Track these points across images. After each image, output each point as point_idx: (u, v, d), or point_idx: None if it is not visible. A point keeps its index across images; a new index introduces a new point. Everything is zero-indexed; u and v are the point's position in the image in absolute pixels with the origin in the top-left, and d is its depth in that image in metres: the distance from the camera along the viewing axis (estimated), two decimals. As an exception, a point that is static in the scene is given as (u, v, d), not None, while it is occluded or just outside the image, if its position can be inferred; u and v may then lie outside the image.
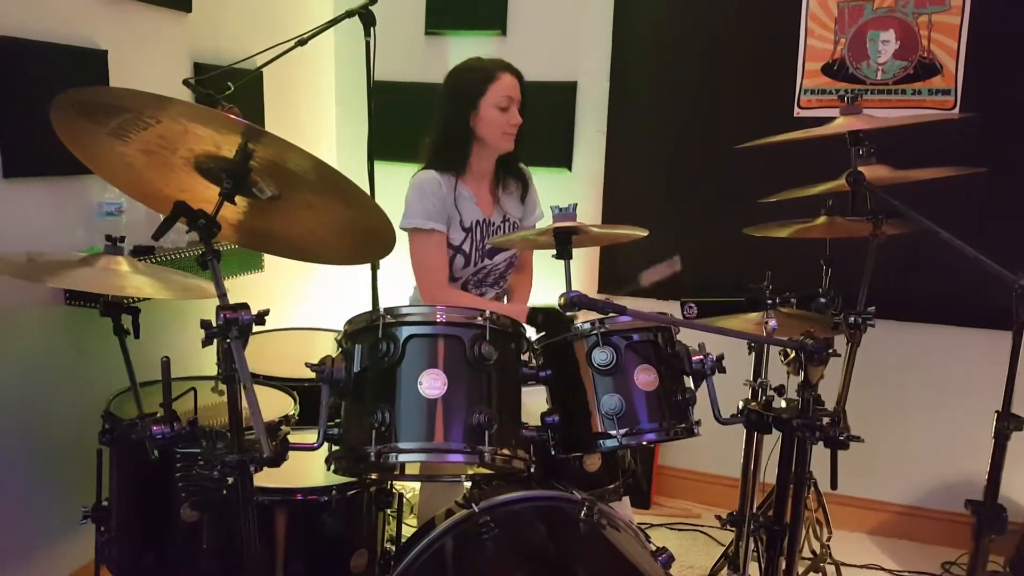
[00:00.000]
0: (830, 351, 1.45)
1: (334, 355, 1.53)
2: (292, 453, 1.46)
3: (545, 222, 1.94)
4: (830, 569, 2.56)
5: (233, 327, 1.31)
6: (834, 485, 1.72)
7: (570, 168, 3.39)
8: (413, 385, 1.44)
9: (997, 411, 1.58)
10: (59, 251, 2.23)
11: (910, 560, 3.00)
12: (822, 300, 2.29)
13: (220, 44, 2.96)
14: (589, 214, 3.35)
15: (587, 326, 1.62)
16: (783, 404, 1.73)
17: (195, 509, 1.71)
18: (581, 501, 1.58)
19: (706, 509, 3.30)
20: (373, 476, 1.71)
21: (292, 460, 1.47)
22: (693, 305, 1.81)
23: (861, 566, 2.93)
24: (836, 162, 1.93)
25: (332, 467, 1.52)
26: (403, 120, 2.97)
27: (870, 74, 2.96)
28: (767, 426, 1.66)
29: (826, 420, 1.55)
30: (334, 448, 1.53)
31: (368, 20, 2.78)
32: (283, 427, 1.47)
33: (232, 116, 1.36)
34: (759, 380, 1.85)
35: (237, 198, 1.55)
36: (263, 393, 2.35)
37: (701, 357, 1.64)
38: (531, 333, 2.37)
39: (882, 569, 2.94)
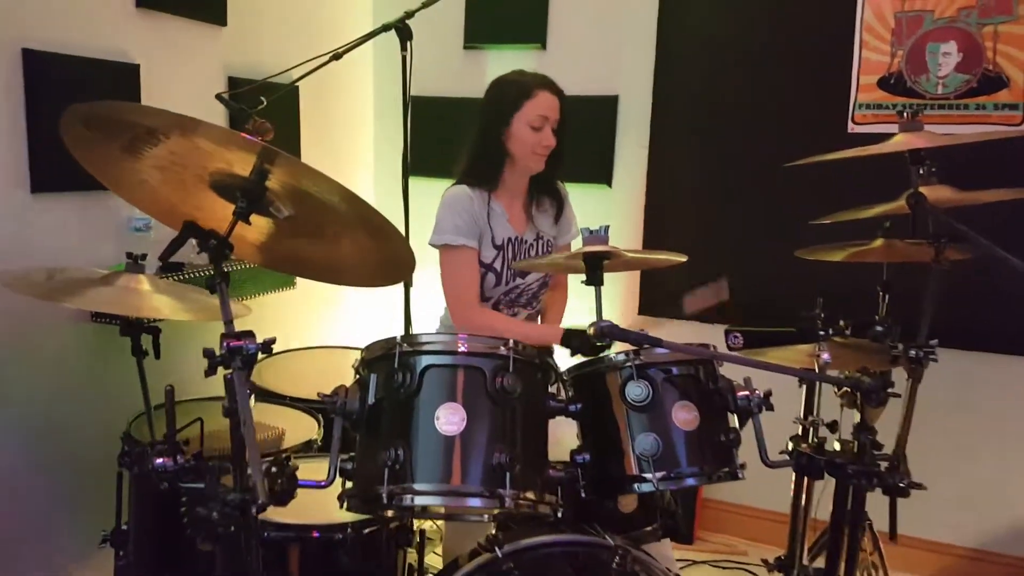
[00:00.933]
0: (889, 391, 1.31)
1: (349, 384, 1.44)
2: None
3: (580, 242, 1.82)
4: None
5: (237, 356, 1.22)
6: (893, 536, 1.57)
7: (610, 185, 3.29)
8: (430, 420, 1.33)
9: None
10: (81, 268, 2.18)
11: (973, 607, 2.80)
12: (879, 329, 2.14)
13: (255, 58, 2.93)
14: (629, 233, 3.24)
15: (621, 356, 1.50)
16: (836, 445, 1.58)
17: (205, 542, 1.62)
18: (614, 548, 1.46)
19: (752, 546, 3.13)
20: (389, 514, 1.61)
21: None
22: (739, 335, 1.68)
23: (919, 613, 2.74)
24: (894, 182, 1.80)
25: (344, 505, 1.42)
26: (441, 135, 2.91)
27: (930, 88, 2.79)
28: (819, 471, 1.52)
29: (884, 465, 1.40)
30: (348, 485, 1.44)
31: (405, 34, 2.74)
32: (292, 461, 1.36)
33: (248, 137, 1.28)
34: (811, 418, 1.70)
35: (258, 218, 1.47)
36: (287, 416, 2.28)
37: (747, 393, 1.51)
38: (566, 357, 2.28)
39: (942, 616, 2.75)
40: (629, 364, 1.47)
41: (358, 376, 1.48)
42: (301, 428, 2.19)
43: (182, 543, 1.82)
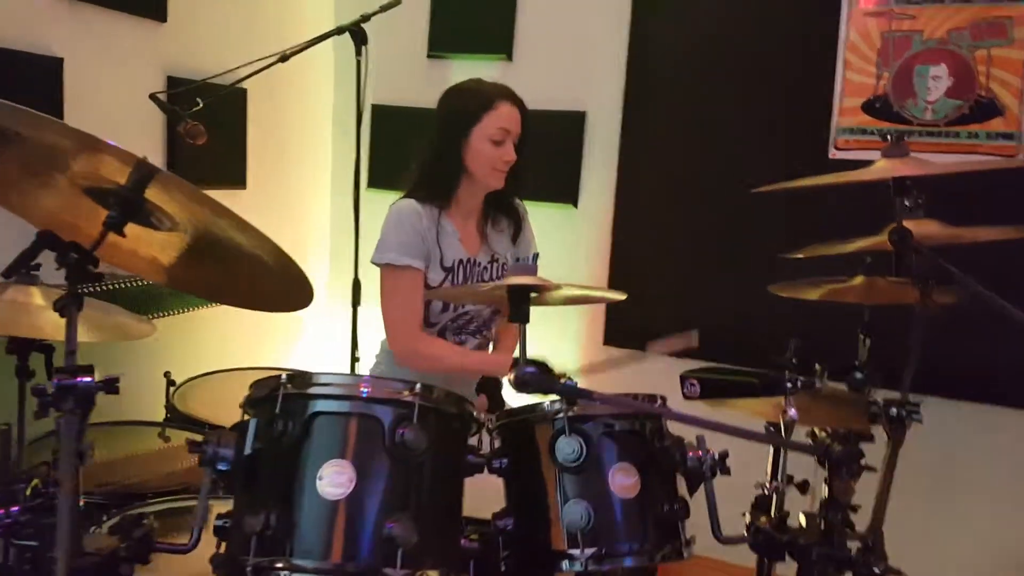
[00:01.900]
0: (862, 463, 1.10)
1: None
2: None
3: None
4: None
5: (69, 396, 0.99)
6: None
7: (576, 205, 3.11)
8: (312, 480, 1.10)
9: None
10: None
11: None
12: (858, 375, 1.94)
13: (198, 58, 2.72)
14: (594, 257, 3.07)
15: (555, 405, 1.27)
16: (802, 519, 1.36)
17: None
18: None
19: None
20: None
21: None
22: (695, 383, 1.46)
23: None
24: (877, 214, 1.59)
25: (215, 573, 1.19)
26: (402, 146, 2.74)
27: (918, 113, 2.61)
28: (780, 552, 1.30)
29: (856, 546, 1.18)
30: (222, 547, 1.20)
31: (360, 38, 2.62)
32: (147, 519, 1.13)
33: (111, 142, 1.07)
34: (775, 483, 1.48)
35: (157, 233, 1.29)
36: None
37: (699, 454, 1.29)
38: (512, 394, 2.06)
39: None
40: (561, 416, 1.25)
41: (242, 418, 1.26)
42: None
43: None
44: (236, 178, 2.97)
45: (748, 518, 1.43)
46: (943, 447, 2.63)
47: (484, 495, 1.31)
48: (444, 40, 3.28)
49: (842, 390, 1.82)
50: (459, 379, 2.08)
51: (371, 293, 2.22)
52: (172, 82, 2.65)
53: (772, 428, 1.62)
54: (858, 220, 1.80)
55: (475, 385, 2.12)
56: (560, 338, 3.10)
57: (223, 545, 1.19)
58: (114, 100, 2.51)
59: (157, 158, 2.68)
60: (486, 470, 1.30)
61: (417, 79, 3.31)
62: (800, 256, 1.88)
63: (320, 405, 1.17)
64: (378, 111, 3.33)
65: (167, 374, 2.38)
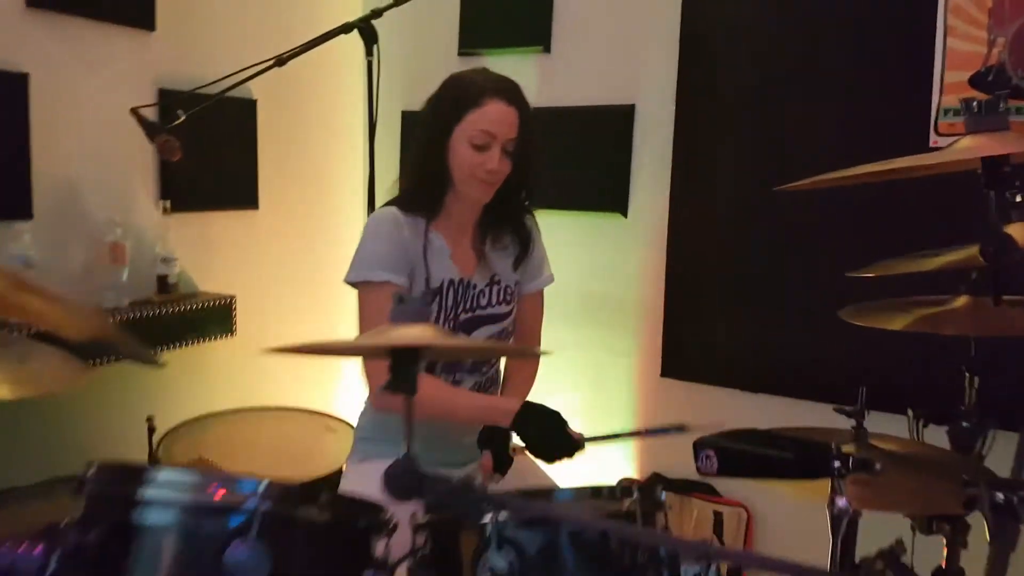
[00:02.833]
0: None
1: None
2: None
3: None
4: None
5: None
6: None
7: (625, 214, 2.74)
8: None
9: None
10: None
11: None
12: (964, 425, 1.52)
13: (193, 68, 2.49)
14: (648, 275, 2.69)
15: (484, 506, 0.89)
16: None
17: None
18: None
19: None
20: None
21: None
22: (712, 455, 1.05)
23: None
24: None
25: None
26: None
27: (1044, 86, 2.11)
28: None
29: None
30: None
31: (370, 36, 2.32)
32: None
33: None
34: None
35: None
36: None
37: (699, 570, 0.88)
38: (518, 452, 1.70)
39: None
40: (488, 522, 0.87)
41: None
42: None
43: None
44: (246, 198, 2.72)
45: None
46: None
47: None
48: (476, 35, 3.01)
49: (927, 452, 1.38)
50: (457, 429, 1.73)
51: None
52: (164, 95, 2.43)
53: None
54: (959, 225, 1.35)
55: (477, 437, 1.74)
56: (610, 369, 2.74)
57: None
58: (95, 118, 2.30)
59: (148, 179, 2.46)
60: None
61: (449, 80, 3.05)
62: (870, 275, 1.42)
63: (146, 514, 0.83)
64: (409, 119, 3.05)
65: (150, 419, 2.18)
